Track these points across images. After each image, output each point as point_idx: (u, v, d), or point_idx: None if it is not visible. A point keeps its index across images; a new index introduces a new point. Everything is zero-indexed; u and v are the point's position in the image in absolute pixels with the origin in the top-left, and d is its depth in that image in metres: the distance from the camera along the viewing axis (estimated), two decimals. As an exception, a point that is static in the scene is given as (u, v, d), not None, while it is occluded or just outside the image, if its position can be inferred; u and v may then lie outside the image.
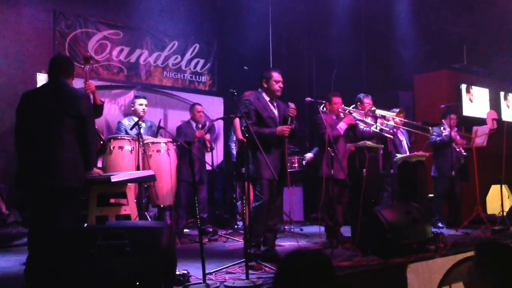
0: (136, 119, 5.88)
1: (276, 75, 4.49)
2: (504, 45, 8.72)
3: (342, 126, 5.57)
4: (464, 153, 6.99)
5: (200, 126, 6.53)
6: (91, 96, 4.66)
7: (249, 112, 4.38)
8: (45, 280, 3.16)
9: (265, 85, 4.51)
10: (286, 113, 4.53)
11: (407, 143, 6.72)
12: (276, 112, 4.52)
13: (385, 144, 6.13)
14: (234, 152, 6.77)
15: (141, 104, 5.97)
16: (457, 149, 6.88)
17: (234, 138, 6.75)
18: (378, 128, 5.77)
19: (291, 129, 4.39)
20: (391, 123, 6.17)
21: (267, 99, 4.50)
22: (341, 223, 5.61)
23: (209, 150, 6.52)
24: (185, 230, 6.47)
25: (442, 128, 7.01)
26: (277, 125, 4.44)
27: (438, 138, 6.90)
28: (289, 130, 4.37)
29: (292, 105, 4.49)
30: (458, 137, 7.00)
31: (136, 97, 6.23)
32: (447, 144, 6.77)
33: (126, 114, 6.49)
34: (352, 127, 5.64)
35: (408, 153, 6.53)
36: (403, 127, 6.51)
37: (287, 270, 1.81)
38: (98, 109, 4.80)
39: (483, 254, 1.72)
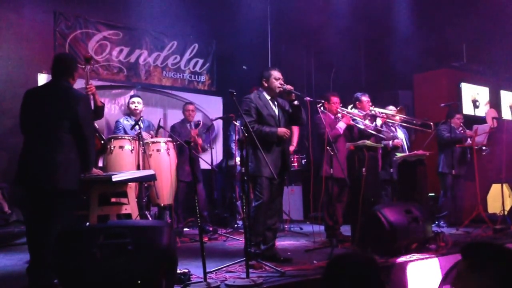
0: (134, 118, 5.92)
1: (275, 73, 4.53)
2: (503, 44, 8.72)
3: (341, 125, 5.60)
4: (485, 148, 6.95)
5: (193, 125, 6.59)
6: (92, 98, 4.69)
7: (249, 110, 4.41)
8: (48, 280, 3.18)
9: (266, 84, 4.54)
10: (285, 105, 4.58)
11: (406, 142, 6.72)
12: (276, 110, 4.53)
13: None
14: (234, 151, 6.79)
15: (134, 103, 6.04)
16: (475, 147, 6.79)
17: (234, 138, 6.78)
18: (378, 126, 5.78)
19: (296, 105, 4.50)
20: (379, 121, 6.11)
21: (268, 97, 4.53)
22: (341, 222, 5.62)
23: (200, 152, 6.63)
24: (185, 229, 6.48)
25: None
26: (277, 123, 4.46)
27: (447, 134, 6.83)
28: (289, 133, 4.47)
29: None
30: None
31: (132, 96, 6.35)
32: (458, 142, 6.78)
33: (125, 114, 6.52)
34: (349, 127, 5.67)
35: (407, 152, 6.53)
36: (401, 126, 6.51)
37: (336, 273, 1.83)
38: (98, 111, 4.81)
39: (472, 256, 1.68)
